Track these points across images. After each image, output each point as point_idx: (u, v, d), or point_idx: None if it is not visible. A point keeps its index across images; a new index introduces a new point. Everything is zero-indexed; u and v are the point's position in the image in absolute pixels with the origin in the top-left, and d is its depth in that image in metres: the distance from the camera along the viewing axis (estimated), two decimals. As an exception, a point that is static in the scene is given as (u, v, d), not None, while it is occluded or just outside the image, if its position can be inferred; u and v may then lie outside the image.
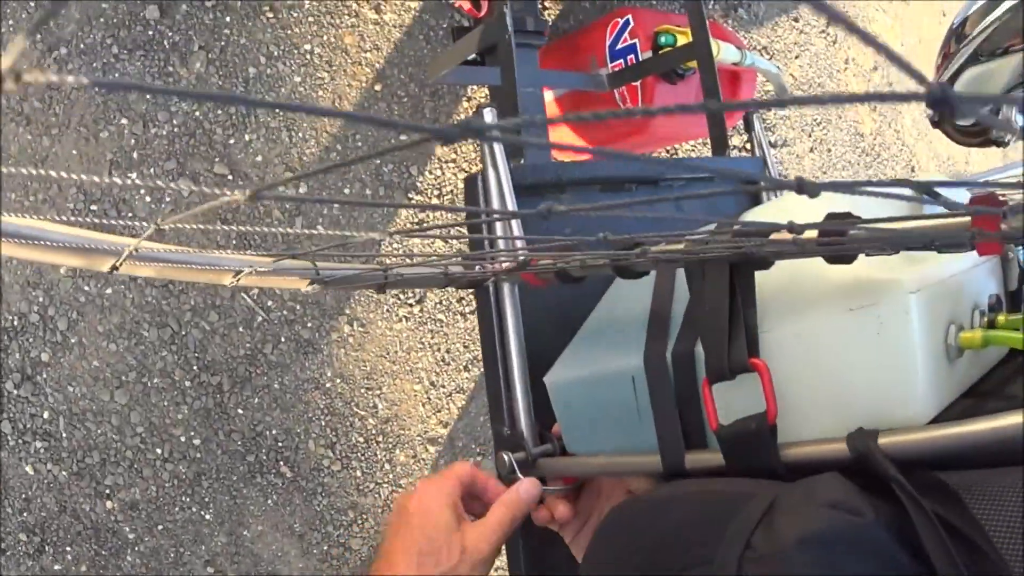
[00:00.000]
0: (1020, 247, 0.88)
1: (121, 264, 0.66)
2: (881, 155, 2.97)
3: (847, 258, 0.66)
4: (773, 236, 0.68)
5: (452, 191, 2.03)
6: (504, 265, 1.06)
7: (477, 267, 1.10)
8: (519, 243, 1.10)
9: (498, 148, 1.20)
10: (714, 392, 0.75)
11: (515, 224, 1.13)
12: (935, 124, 1.38)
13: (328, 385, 1.99)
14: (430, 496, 0.80)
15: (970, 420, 0.61)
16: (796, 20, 2.64)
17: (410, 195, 1.97)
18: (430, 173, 1.98)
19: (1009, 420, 0.58)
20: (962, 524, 0.55)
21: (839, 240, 0.62)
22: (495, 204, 1.14)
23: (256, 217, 1.91)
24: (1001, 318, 0.78)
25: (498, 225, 1.14)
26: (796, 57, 2.66)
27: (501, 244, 1.12)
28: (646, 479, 0.89)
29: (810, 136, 2.71)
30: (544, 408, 1.01)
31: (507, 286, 1.09)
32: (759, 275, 0.75)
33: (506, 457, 0.97)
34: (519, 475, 0.94)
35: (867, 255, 0.66)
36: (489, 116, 1.28)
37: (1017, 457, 0.58)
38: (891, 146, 3.02)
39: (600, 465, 0.91)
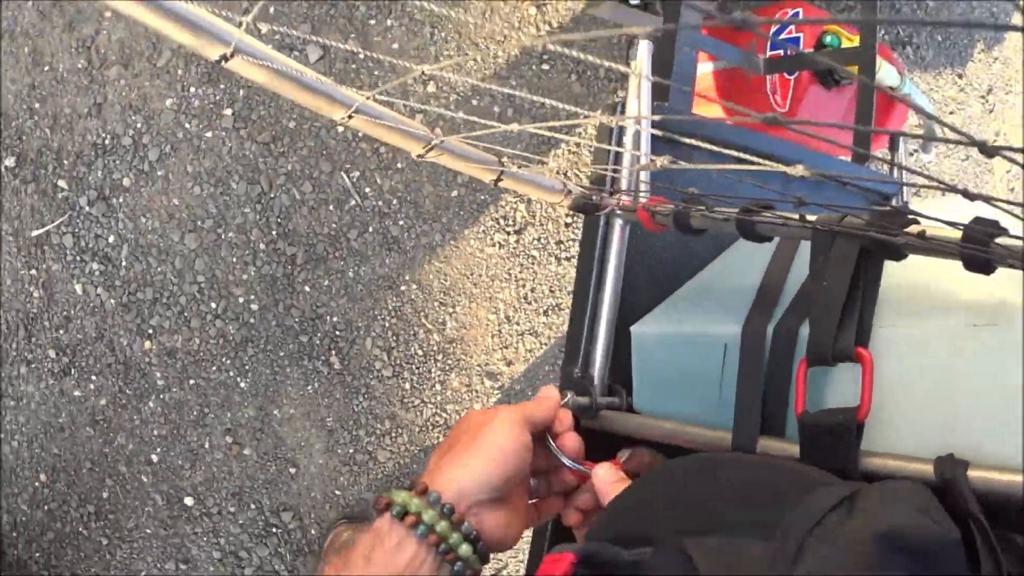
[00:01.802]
0: None
1: (232, 55, 0.68)
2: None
3: (987, 266, 0.63)
4: (913, 228, 0.66)
5: (579, 134, 2.06)
6: (623, 199, 1.08)
7: (594, 196, 1.13)
8: (643, 182, 1.13)
9: (646, 84, 1.23)
10: (810, 378, 0.73)
11: (645, 160, 1.15)
12: None
13: (403, 288, 2.01)
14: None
15: None
16: (960, 76, 2.64)
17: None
18: (563, 110, 2.01)
19: None
20: None
21: (983, 247, 0.60)
22: (629, 137, 1.16)
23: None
24: None
25: (625, 161, 1.17)
26: (951, 112, 2.66)
27: (625, 177, 1.14)
28: None
29: (943, 196, 2.71)
30: (619, 360, 1.02)
31: (619, 222, 1.10)
32: (889, 267, 0.73)
33: (569, 396, 0.96)
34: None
35: (1008, 266, 0.62)
36: (644, 48, 1.31)
37: None
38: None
39: (665, 430, 0.90)
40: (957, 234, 0.62)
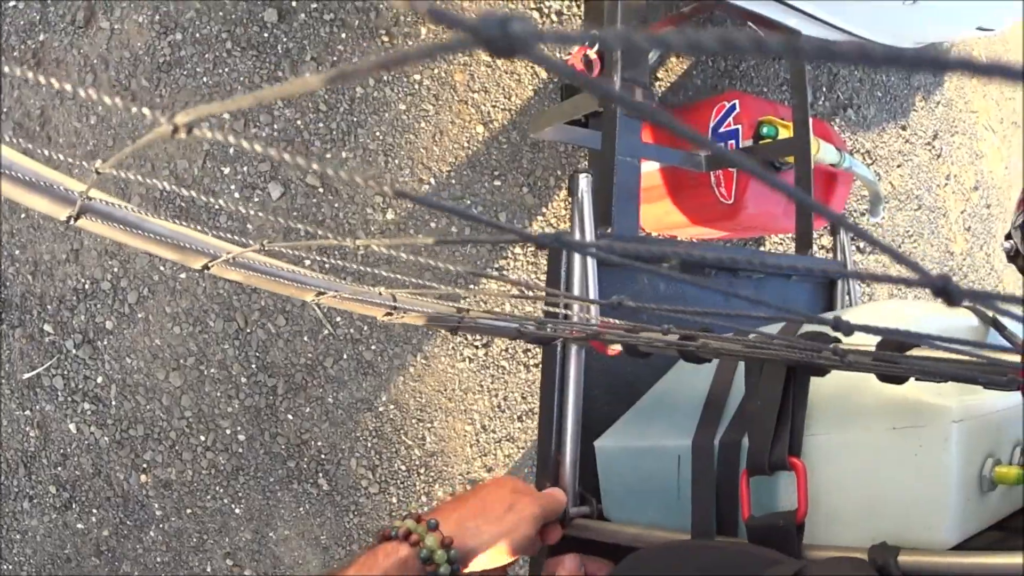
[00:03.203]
0: None
1: (214, 265, 0.75)
2: (969, 276, 3.08)
3: (898, 379, 0.75)
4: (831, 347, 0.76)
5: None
6: (575, 331, 1.21)
7: (549, 327, 1.26)
8: (593, 311, 1.26)
9: (588, 214, 1.37)
10: (753, 485, 0.86)
11: (592, 289, 1.28)
12: (1010, 259, 1.45)
13: (381, 409, 2.16)
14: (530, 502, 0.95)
15: (988, 553, 0.69)
16: (903, 128, 2.78)
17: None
18: (518, 222, 2.14)
19: (1015, 559, 0.66)
20: None
21: (892, 362, 0.71)
22: (576, 269, 1.28)
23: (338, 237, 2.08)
24: None
25: (575, 288, 1.30)
26: (898, 166, 2.79)
27: (576, 308, 1.27)
28: None
29: (899, 247, 2.83)
30: (588, 472, 1.15)
31: (574, 349, 1.23)
32: (817, 380, 0.86)
33: None
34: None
35: (916, 379, 0.74)
36: (583, 182, 1.44)
37: None
38: (980, 268, 3.13)
39: (631, 535, 1.03)
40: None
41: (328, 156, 2.06)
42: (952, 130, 2.93)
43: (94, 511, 2.14)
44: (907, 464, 0.78)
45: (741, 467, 0.89)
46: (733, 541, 0.89)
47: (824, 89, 2.60)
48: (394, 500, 2.19)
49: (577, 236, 1.34)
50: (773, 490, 0.86)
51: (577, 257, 1.30)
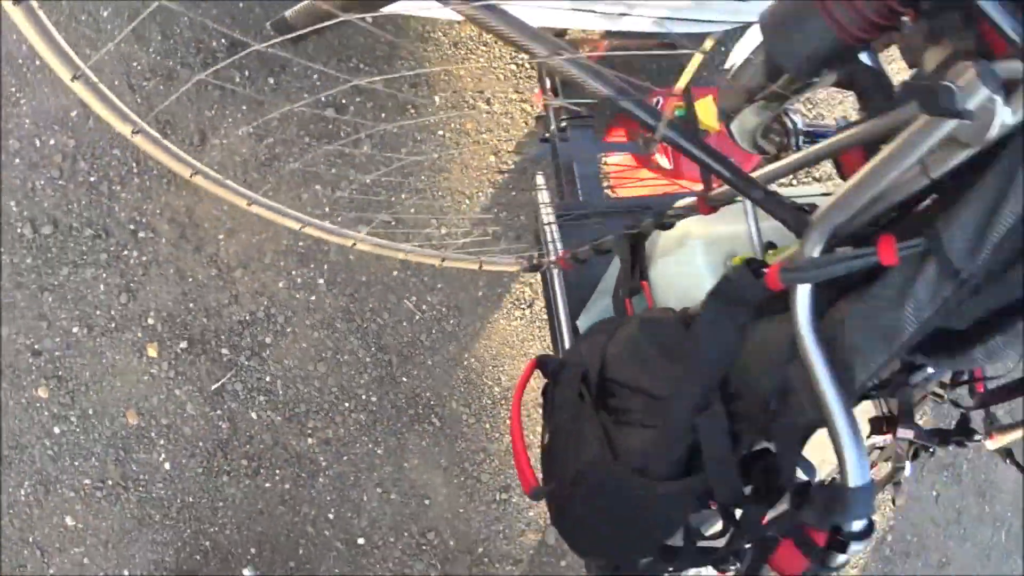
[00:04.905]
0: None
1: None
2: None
3: (665, 227, 1.38)
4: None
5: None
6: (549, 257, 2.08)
7: (534, 257, 2.13)
8: (558, 244, 2.13)
9: (544, 197, 2.25)
10: (635, 302, 1.51)
11: (555, 232, 2.14)
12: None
13: (466, 363, 2.97)
14: None
15: None
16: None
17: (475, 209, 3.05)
18: (531, 219, 3.03)
19: None
20: None
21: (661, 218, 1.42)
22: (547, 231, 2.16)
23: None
24: (770, 252, 1.20)
25: (547, 230, 2.15)
26: (839, 103, 3.45)
27: (549, 244, 2.14)
28: None
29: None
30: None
31: (554, 270, 2.09)
32: (653, 238, 1.49)
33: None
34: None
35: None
36: (540, 179, 2.31)
37: None
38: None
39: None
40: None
41: (403, 194, 2.95)
42: (888, 58, 3.59)
43: (278, 472, 2.85)
44: (686, 270, 1.35)
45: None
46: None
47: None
48: (487, 426, 2.99)
49: (543, 213, 2.17)
50: (644, 302, 1.52)
51: (544, 218, 2.18)
